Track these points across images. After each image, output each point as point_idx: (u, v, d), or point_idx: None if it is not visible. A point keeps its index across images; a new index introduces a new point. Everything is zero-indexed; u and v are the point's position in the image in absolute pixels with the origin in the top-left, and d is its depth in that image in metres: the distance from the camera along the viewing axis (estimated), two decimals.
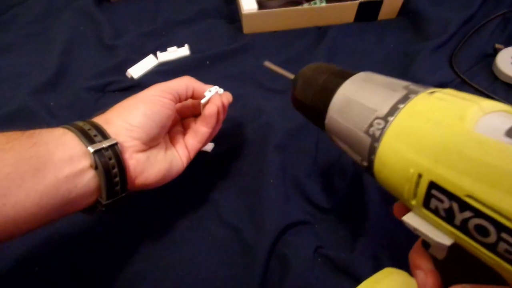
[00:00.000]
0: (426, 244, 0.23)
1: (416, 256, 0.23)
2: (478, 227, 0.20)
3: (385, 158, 0.24)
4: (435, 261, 0.23)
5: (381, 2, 0.55)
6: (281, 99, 0.49)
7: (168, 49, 0.55)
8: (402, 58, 0.52)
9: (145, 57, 0.54)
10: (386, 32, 0.56)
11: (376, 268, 0.33)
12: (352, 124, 0.26)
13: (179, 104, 0.36)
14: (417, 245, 0.24)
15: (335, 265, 0.35)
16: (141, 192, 0.40)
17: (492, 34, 0.52)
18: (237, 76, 0.52)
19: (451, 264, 0.22)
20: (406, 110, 0.24)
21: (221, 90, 0.36)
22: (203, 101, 0.35)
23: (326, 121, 0.29)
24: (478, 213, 0.19)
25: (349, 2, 0.54)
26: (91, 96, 0.50)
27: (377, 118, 0.25)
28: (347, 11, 0.56)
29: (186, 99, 0.35)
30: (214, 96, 0.35)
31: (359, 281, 0.33)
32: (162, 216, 0.39)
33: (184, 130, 0.37)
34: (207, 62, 0.53)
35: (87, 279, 0.35)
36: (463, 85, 0.47)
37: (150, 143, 0.31)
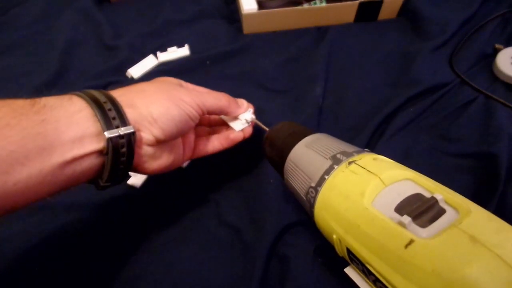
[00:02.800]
0: None
1: None
2: None
3: (319, 222, 0.28)
4: None
5: (381, 2, 0.55)
6: (281, 99, 0.49)
7: (168, 49, 0.55)
8: (402, 58, 0.52)
9: (145, 57, 0.54)
10: (386, 32, 0.56)
11: None
12: (298, 188, 0.30)
13: None
14: None
15: (335, 265, 0.35)
16: (141, 192, 0.41)
17: (492, 34, 0.52)
18: (237, 76, 0.52)
19: None
20: (328, 182, 0.27)
21: (253, 116, 0.37)
22: (232, 125, 0.37)
23: (284, 180, 0.33)
24: (377, 279, 0.22)
25: (349, 2, 0.54)
26: None
27: (310, 187, 0.28)
28: (347, 11, 0.56)
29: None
30: (247, 128, 0.37)
31: None
32: (162, 216, 0.39)
33: (195, 128, 0.37)
34: (207, 62, 0.53)
35: (87, 279, 0.35)
36: (463, 85, 0.47)
37: (162, 142, 0.30)
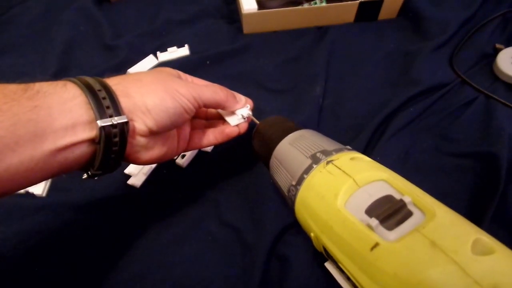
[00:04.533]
0: None
1: None
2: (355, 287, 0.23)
3: (299, 219, 0.29)
4: None
5: (381, 2, 0.55)
6: (281, 99, 0.49)
7: (168, 49, 0.55)
8: (402, 58, 0.52)
9: (145, 57, 0.54)
10: (386, 32, 0.56)
11: None
12: (281, 185, 0.31)
13: None
14: None
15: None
16: (141, 192, 0.41)
17: (492, 34, 0.52)
18: (237, 76, 0.52)
19: None
20: (307, 181, 0.28)
21: (250, 112, 0.37)
22: (228, 119, 0.36)
23: (270, 176, 0.34)
24: (349, 278, 0.23)
25: (349, 2, 0.54)
26: None
27: (291, 185, 0.29)
28: (347, 11, 0.56)
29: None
30: (242, 124, 0.37)
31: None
32: (162, 215, 0.39)
33: (192, 120, 0.37)
34: (207, 62, 0.53)
35: (87, 279, 0.35)
36: (463, 85, 0.47)
37: (155, 133, 0.29)
